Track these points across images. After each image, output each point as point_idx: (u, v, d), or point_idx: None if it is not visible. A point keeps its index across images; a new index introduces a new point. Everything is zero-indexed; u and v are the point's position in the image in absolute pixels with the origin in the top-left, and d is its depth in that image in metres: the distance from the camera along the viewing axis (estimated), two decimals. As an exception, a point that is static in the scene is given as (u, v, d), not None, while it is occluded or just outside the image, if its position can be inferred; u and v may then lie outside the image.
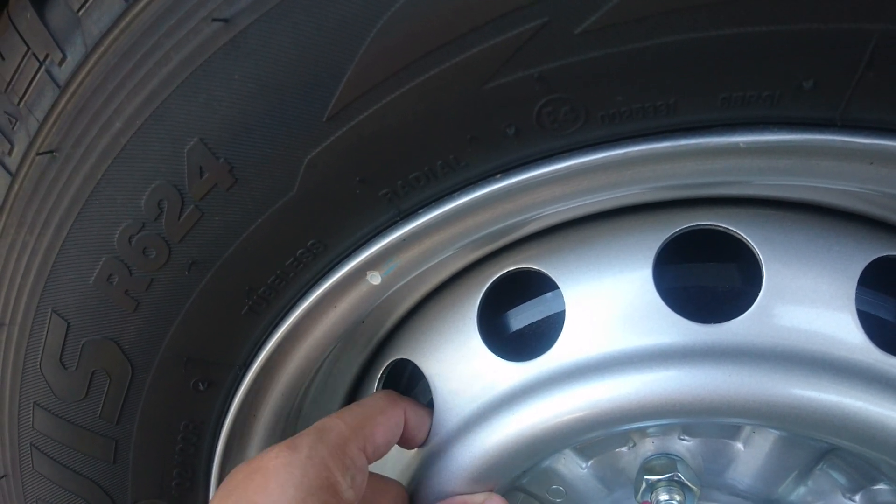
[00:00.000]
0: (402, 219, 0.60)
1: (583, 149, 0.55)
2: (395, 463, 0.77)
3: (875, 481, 0.73)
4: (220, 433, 0.74)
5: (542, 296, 0.72)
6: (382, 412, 0.67)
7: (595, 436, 0.68)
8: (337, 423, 0.64)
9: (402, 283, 0.68)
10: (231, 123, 0.54)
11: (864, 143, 0.52)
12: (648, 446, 0.76)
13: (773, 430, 0.71)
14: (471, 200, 0.59)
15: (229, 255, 0.61)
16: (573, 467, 0.78)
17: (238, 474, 0.59)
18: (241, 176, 0.56)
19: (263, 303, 0.65)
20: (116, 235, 0.60)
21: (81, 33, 0.55)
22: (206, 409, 0.72)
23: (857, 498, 0.74)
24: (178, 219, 0.58)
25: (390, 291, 0.69)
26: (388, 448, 0.68)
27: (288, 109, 0.53)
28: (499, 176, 0.57)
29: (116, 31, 0.54)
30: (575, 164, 0.56)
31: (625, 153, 0.54)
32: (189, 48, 0.52)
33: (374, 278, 0.65)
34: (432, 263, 0.67)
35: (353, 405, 0.69)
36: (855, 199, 0.64)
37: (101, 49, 0.55)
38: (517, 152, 0.55)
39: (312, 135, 0.54)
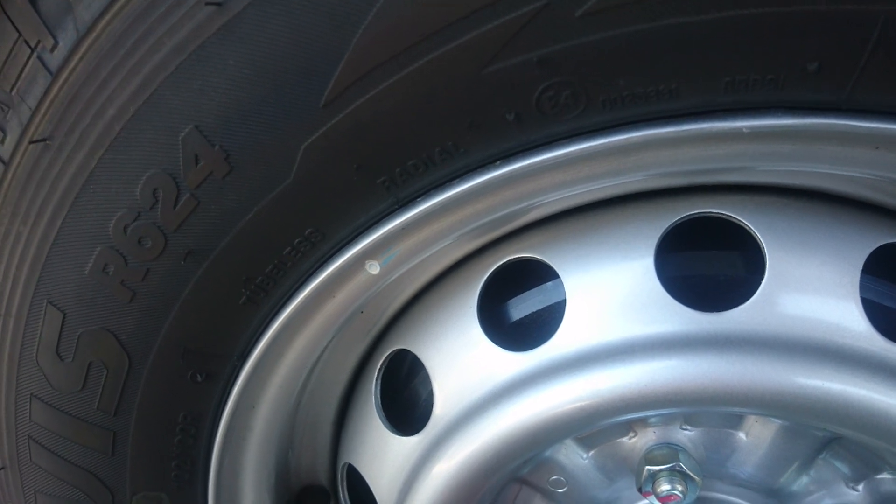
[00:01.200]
0: (400, 207, 0.59)
1: (584, 134, 0.54)
2: (395, 454, 0.77)
3: (879, 470, 0.73)
4: (218, 425, 0.73)
5: (543, 285, 0.71)
6: None
7: (597, 426, 0.67)
8: None
9: (401, 272, 0.67)
10: (226, 110, 0.53)
11: (870, 128, 0.51)
12: (650, 436, 0.75)
13: (775, 420, 0.70)
14: (470, 188, 0.58)
15: (226, 244, 0.60)
16: (574, 457, 0.78)
17: None
18: (236, 163, 0.55)
19: (261, 293, 0.64)
20: (111, 225, 0.59)
21: (73, 19, 0.54)
22: (205, 401, 0.71)
23: (861, 487, 0.74)
24: (174, 207, 0.58)
25: (389, 280, 0.69)
26: None
27: (284, 95, 0.52)
28: (498, 163, 0.56)
29: (108, 17, 0.53)
30: (576, 150, 0.55)
31: (627, 139, 0.54)
32: (182, 33, 0.51)
33: (373, 267, 0.65)
34: (432, 252, 0.66)
35: None
36: (859, 185, 0.63)
37: (94, 35, 0.54)
38: (517, 138, 0.54)
39: (309, 121, 0.53)
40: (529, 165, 0.56)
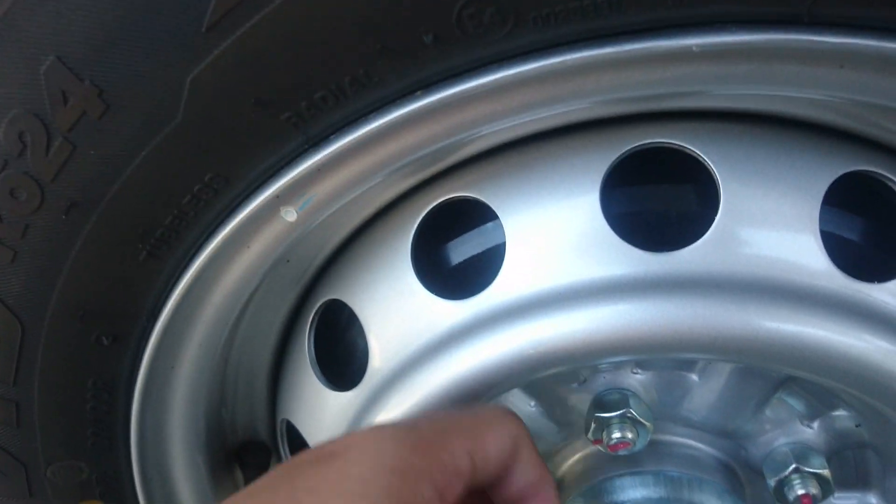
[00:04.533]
0: (312, 146, 0.52)
1: (514, 58, 0.47)
2: (332, 410, 0.72)
3: (834, 408, 0.70)
4: (134, 389, 0.67)
5: (481, 227, 0.65)
6: (499, 421, 0.53)
7: (541, 376, 0.63)
8: (440, 418, 0.51)
9: (323, 217, 0.61)
10: (91, 37, 0.45)
11: (835, 43, 0.45)
12: (600, 381, 0.71)
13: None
14: (389, 122, 0.51)
15: (114, 194, 0.52)
16: (521, 406, 0.74)
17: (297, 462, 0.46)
18: (113, 101, 0.48)
19: (163, 246, 0.57)
20: (-23, 176, 0.51)
21: None
22: (115, 365, 0.65)
23: (815, 425, 0.71)
24: (46, 154, 0.50)
25: (312, 227, 0.62)
26: (498, 469, 0.51)
27: (159, 18, 0.44)
28: (419, 93, 0.49)
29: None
30: (506, 76, 0.48)
31: (562, 62, 0.47)
32: (28, -57, 0.43)
33: (289, 214, 0.58)
34: (356, 194, 0.60)
35: (453, 411, 0.56)
36: (821, 108, 0.58)
37: (-75, -52, 0.45)
38: (438, 64, 0.47)
39: (192, 49, 0.45)
40: (454, 95, 0.49)
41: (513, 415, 0.55)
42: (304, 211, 0.58)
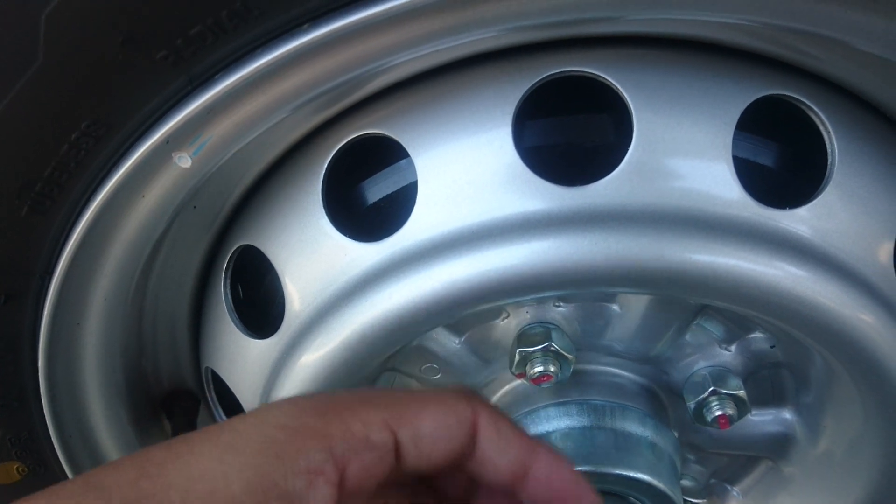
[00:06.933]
0: (196, 87, 0.49)
1: (405, -15, 0.44)
2: (253, 358, 0.70)
3: (750, 331, 0.71)
4: (38, 347, 0.64)
5: (393, 165, 0.63)
6: (441, 398, 0.43)
7: (458, 316, 0.62)
8: (365, 391, 0.44)
9: (222, 160, 0.58)
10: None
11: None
12: (523, 316, 0.71)
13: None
14: (278, 58, 0.48)
15: (-20, 146, 0.48)
16: (446, 343, 0.73)
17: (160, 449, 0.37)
18: (-40, 43, 0.43)
19: (47, 200, 0.53)
20: None
21: None
22: (14, 324, 0.62)
23: (733, 348, 0.73)
24: None
25: (211, 172, 0.59)
26: (442, 447, 0.41)
27: (0, -52, 0.39)
28: (306, 26, 0.46)
29: None
30: (399, 4, 0.45)
31: (457, -12, 0.44)
32: None
33: (183, 160, 0.55)
34: (256, 135, 0.56)
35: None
36: (736, 31, 0.56)
37: None
38: (323, -7, 0.44)
39: (43, -18, 0.41)
40: (345, 27, 0.46)
41: (466, 393, 0.44)
42: (200, 156, 0.55)
